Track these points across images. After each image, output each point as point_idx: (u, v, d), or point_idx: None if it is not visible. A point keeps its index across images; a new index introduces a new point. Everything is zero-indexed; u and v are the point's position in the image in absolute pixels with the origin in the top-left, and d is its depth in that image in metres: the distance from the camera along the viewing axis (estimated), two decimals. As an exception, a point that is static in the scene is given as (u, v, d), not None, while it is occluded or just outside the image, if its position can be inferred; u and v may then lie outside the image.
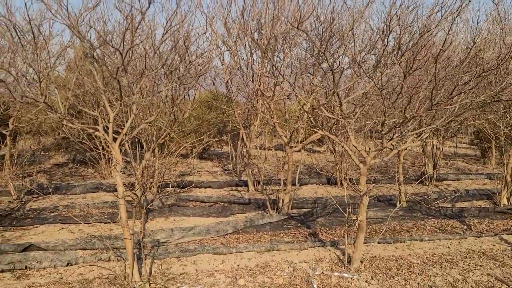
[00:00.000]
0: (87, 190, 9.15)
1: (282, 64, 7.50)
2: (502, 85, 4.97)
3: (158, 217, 7.44)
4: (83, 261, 5.29)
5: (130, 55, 4.20)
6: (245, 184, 10.00)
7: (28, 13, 3.72)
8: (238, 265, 5.28)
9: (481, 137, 14.03)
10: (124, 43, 3.82)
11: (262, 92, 7.67)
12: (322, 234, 6.60)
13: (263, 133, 11.20)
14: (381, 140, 4.89)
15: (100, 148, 9.41)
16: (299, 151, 7.91)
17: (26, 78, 4.28)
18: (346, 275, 4.98)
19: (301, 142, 8.05)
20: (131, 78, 4.44)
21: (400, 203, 7.95)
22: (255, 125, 9.58)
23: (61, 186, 9.32)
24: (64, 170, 11.66)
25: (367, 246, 5.85)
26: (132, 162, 5.46)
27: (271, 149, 14.33)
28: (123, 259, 5.32)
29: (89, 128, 4.43)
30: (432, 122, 6.99)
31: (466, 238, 6.43)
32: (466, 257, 5.66)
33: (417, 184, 10.32)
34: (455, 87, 4.50)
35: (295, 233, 6.61)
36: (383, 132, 4.81)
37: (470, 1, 4.03)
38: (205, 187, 9.77)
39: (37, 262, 5.17)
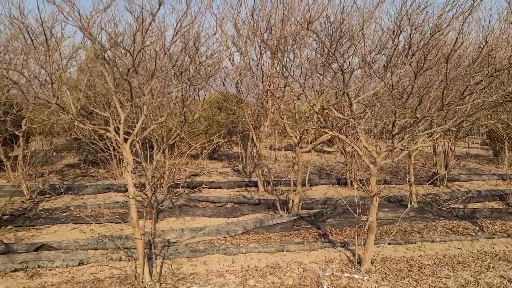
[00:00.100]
0: (99, 191, 9.23)
1: (291, 64, 7.50)
2: (515, 85, 4.91)
3: (169, 217, 7.47)
4: (95, 261, 5.34)
5: (141, 56, 4.23)
6: (255, 184, 10.01)
7: (40, 15, 3.77)
8: (248, 266, 5.29)
9: (493, 137, 13.85)
10: (135, 45, 3.85)
11: (272, 92, 7.68)
12: (332, 235, 6.58)
13: (273, 133, 11.20)
14: (391, 141, 4.87)
15: (111, 148, 9.49)
16: (309, 151, 7.89)
17: (39, 80, 4.34)
18: (356, 276, 4.96)
19: (311, 143, 8.02)
20: (142, 79, 4.47)
21: (411, 204, 7.89)
22: (265, 126, 9.58)
23: (73, 186, 9.42)
24: (76, 171, 11.78)
25: (377, 247, 5.81)
26: (142, 163, 5.49)
27: (281, 150, 14.32)
28: (134, 259, 5.36)
29: (100, 129, 4.48)
30: (443, 122, 6.93)
31: (478, 240, 6.36)
32: (478, 258, 5.60)
33: (428, 184, 10.23)
34: (467, 87, 4.46)
35: (305, 234, 6.60)
36: (393, 133, 4.78)
37: (481, 0, 3.99)
38: (215, 188, 9.80)
39: (49, 262, 5.23)
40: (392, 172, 12.09)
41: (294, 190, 7.59)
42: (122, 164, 8.96)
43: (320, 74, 7.30)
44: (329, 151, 17.15)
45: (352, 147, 5.25)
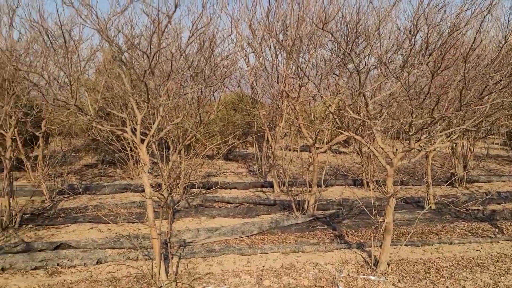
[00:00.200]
0: (116, 190, 9.36)
1: (307, 65, 7.47)
2: (536, 84, 4.80)
3: (185, 217, 7.53)
4: (112, 260, 5.42)
5: (157, 58, 4.28)
6: (270, 185, 10.01)
7: (59, 18, 3.85)
8: (263, 266, 5.30)
9: (514, 137, 13.56)
10: (151, 47, 3.89)
11: (287, 93, 7.66)
12: (348, 236, 6.54)
13: (288, 134, 11.17)
14: (408, 141, 4.81)
15: (128, 149, 9.61)
16: (324, 152, 7.86)
17: (58, 82, 4.42)
18: (372, 277, 4.92)
19: (326, 143, 7.99)
20: (158, 80, 4.52)
21: (428, 205, 7.78)
22: (280, 126, 9.57)
23: (91, 186, 9.57)
24: (94, 171, 11.96)
25: (394, 248, 5.75)
26: (159, 163, 5.55)
27: (296, 150, 14.28)
28: (150, 258, 5.42)
29: (118, 130, 4.54)
30: (462, 123, 6.82)
31: (498, 242, 6.24)
32: (497, 261, 5.49)
33: (447, 186, 10.07)
34: (486, 87, 4.38)
35: (320, 235, 6.57)
36: (410, 133, 4.73)
37: (501, -2, 3.92)
38: (230, 188, 9.83)
39: (68, 260, 5.33)
40: (409, 173, 11.95)
41: (310, 191, 7.56)
42: (139, 164, 9.06)
43: (335, 74, 7.26)
44: (345, 151, 17.03)
45: (368, 148, 5.21)
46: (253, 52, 9.07)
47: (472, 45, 4.02)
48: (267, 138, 10.39)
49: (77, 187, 9.24)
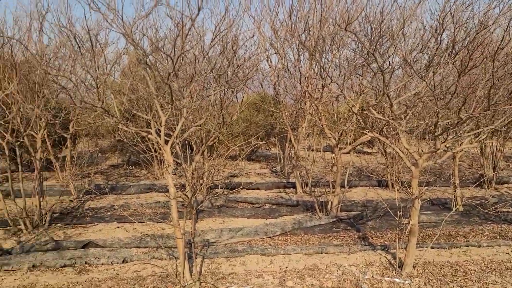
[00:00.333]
0: (141, 191, 9.52)
1: (330, 65, 7.43)
2: None
3: (208, 217, 7.60)
4: (137, 259, 5.52)
5: (181, 60, 4.33)
6: (293, 185, 9.98)
7: (87, 23, 3.95)
8: (286, 267, 5.29)
9: (546, 137, 13.09)
10: (175, 49, 3.95)
11: (310, 94, 7.63)
12: (372, 238, 6.46)
13: (311, 134, 11.12)
14: (434, 142, 4.72)
15: (153, 150, 9.77)
16: (348, 152, 7.78)
17: (85, 84, 4.54)
18: (397, 280, 4.85)
19: (350, 144, 7.92)
20: (182, 82, 4.58)
21: (455, 207, 7.60)
22: (303, 127, 9.54)
23: (117, 186, 9.77)
24: (119, 171, 12.20)
25: (419, 251, 5.65)
26: (182, 164, 5.62)
27: (319, 151, 14.18)
28: (175, 258, 5.49)
29: (143, 131, 4.62)
30: (490, 123, 6.64)
31: (529, 245, 6.05)
32: (528, 265, 5.32)
33: (475, 187, 9.81)
34: (515, 86, 4.26)
35: (344, 236, 6.52)
36: (436, 134, 4.64)
37: (531, -5, 3.81)
38: (253, 189, 9.85)
39: (95, 259, 5.46)
40: (436, 173, 11.70)
41: (333, 192, 7.51)
42: (163, 165, 9.19)
43: (359, 74, 7.19)
44: (369, 152, 16.82)
45: (393, 149, 5.14)
46: (275, 53, 9.07)
47: (500, 44, 3.91)
48: (290, 138, 10.36)
49: (104, 187, 9.45)
